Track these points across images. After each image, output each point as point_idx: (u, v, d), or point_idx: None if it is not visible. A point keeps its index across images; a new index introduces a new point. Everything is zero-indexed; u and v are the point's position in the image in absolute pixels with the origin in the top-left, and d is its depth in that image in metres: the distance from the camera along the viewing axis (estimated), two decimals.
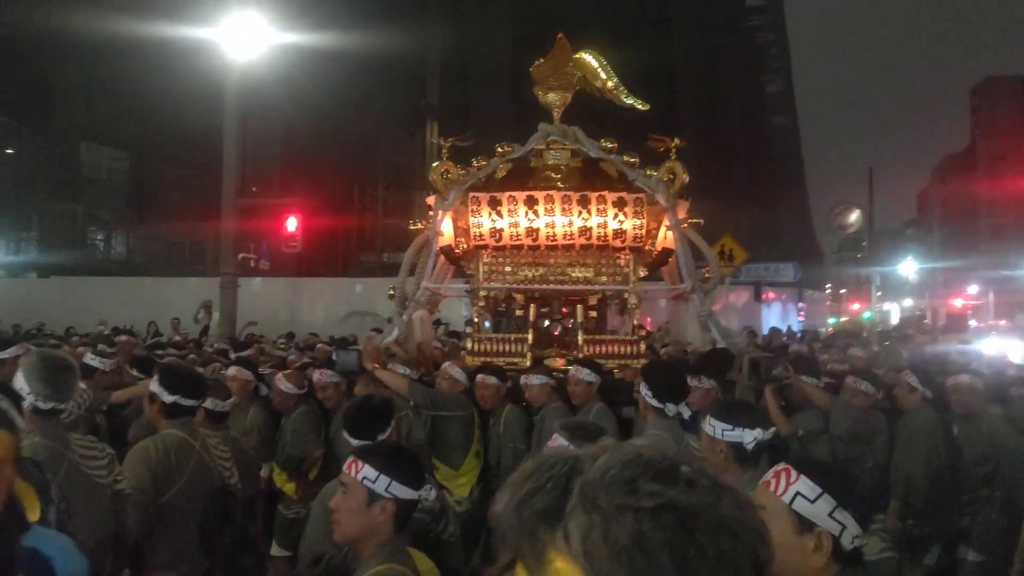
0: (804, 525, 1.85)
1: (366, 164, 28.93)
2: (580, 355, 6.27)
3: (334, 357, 6.83)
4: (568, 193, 6.64)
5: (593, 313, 7.03)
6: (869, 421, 5.14)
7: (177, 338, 12.78)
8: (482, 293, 7.06)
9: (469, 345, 6.99)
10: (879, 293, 24.23)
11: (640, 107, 7.79)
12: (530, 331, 6.90)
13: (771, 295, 22.21)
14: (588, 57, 7.68)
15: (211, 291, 14.95)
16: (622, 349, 6.66)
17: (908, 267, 30.25)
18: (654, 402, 3.84)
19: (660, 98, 25.52)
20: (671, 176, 6.74)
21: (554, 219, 6.65)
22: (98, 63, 25.56)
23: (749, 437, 2.87)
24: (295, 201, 19.96)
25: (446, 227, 7.11)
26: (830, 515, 1.84)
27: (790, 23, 29.02)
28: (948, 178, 61.61)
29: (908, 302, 39.01)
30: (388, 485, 2.32)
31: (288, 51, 14.87)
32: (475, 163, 7.20)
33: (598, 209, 6.57)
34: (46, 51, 26.88)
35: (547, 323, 7.30)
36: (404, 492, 2.35)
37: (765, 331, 16.73)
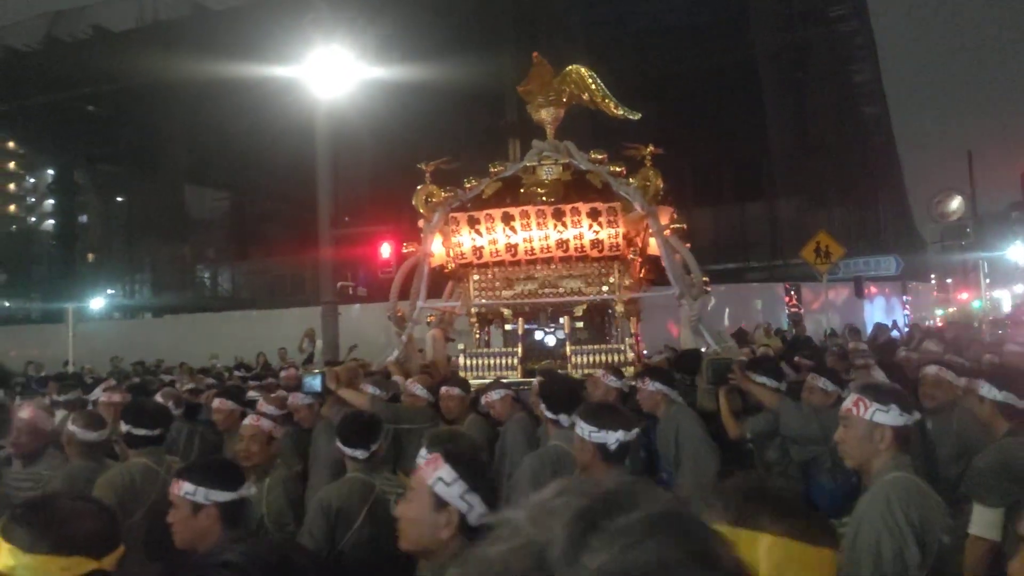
0: (440, 503, 2.19)
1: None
2: (569, 365, 6.44)
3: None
4: (542, 207, 6.84)
5: (580, 324, 7.19)
6: (821, 421, 4.71)
7: (283, 366, 13.30)
8: (473, 310, 7.31)
9: (461, 361, 7.20)
10: (988, 280, 23.18)
11: (631, 116, 7.96)
12: (519, 345, 7.11)
13: (873, 290, 21.55)
14: (578, 71, 7.83)
15: (313, 320, 15.45)
16: (610, 358, 6.73)
17: (1017, 251, 28.82)
18: (549, 414, 4.07)
19: (744, 97, 25.21)
20: (646, 183, 6.86)
21: (531, 233, 6.87)
22: (196, 108, 26.85)
23: (612, 438, 3.10)
24: (387, 228, 20.48)
25: (437, 248, 7.37)
26: (461, 496, 2.19)
27: (873, 8, 28.21)
28: None
29: (1020, 288, 37.17)
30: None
31: (371, 85, 15.32)
32: (467, 184, 7.50)
33: (573, 221, 6.73)
34: (146, 101, 28.37)
35: (538, 336, 7.51)
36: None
37: (869, 327, 16.25)
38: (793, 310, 19.24)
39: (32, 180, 67.20)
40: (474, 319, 7.45)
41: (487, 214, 6.98)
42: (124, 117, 31.01)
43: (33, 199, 68.35)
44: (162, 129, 29.47)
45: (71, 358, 17.59)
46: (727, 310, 20.24)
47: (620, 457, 3.17)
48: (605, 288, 7.02)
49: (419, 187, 7.60)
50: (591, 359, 6.74)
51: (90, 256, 41.84)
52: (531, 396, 5.19)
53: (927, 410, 4.88)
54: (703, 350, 6.73)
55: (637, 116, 7.97)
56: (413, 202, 7.59)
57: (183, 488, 2.72)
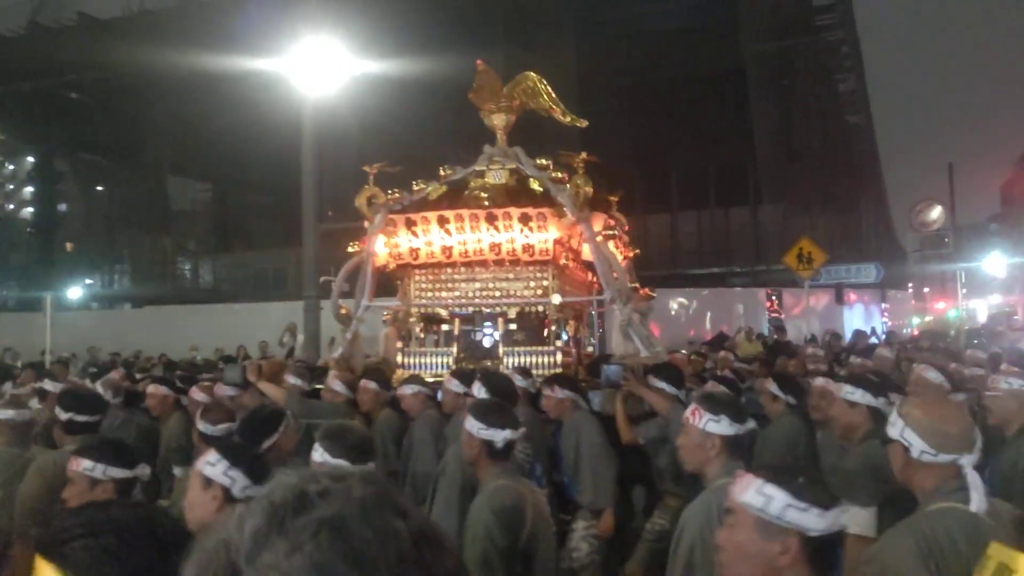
0: (207, 482, 2.55)
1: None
2: (501, 366, 6.57)
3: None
4: (475, 211, 6.98)
5: (513, 326, 7.34)
6: None
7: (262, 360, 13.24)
8: (413, 309, 7.47)
9: (400, 359, 7.37)
10: (964, 291, 23.39)
11: (579, 124, 8.08)
12: (454, 345, 7.31)
13: (853, 297, 21.73)
14: (529, 79, 7.93)
15: (295, 314, 15.38)
16: (541, 360, 6.90)
17: (994, 262, 29.14)
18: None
19: (731, 103, 25.36)
20: (577, 190, 6.93)
21: (465, 236, 7.02)
22: (181, 100, 26.65)
23: (500, 436, 3.19)
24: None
25: (381, 248, 7.50)
26: (225, 473, 2.54)
27: (860, 19, 28.44)
28: None
29: (996, 299, 37.55)
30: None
31: (358, 80, 15.26)
32: (415, 186, 7.65)
33: (505, 225, 6.86)
34: (130, 91, 28.14)
35: (477, 336, 7.72)
36: None
37: (848, 333, 16.39)
38: (774, 315, 19.37)
39: (12, 167, 66.42)
40: (413, 318, 7.57)
41: (423, 216, 7.15)
42: (107, 106, 30.71)
43: (12, 186, 67.59)
44: (145, 119, 29.23)
45: (48, 347, 17.39)
46: (709, 314, 20.36)
47: (506, 454, 3.25)
48: (539, 292, 7.15)
49: (364, 188, 7.73)
50: (523, 360, 6.88)
51: (69, 245, 41.41)
52: (442, 392, 5.35)
53: (815, 421, 5.02)
54: (643, 354, 6.84)
55: (583, 124, 8.11)
56: (356, 203, 7.71)
57: (82, 464, 2.94)
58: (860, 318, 21.68)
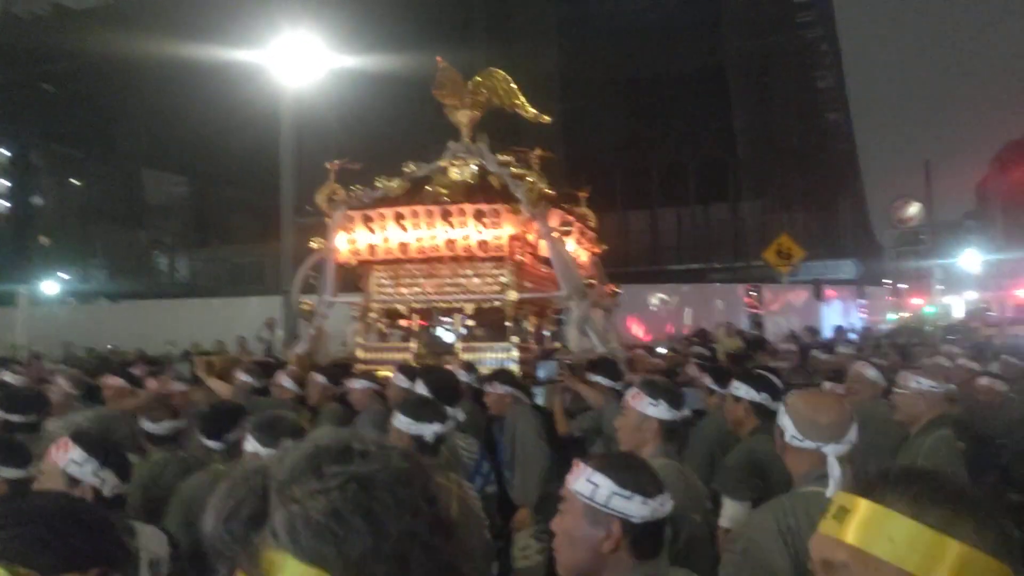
0: (73, 482, 2.41)
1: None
2: (458, 362, 6.55)
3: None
4: (431, 207, 7.06)
5: (471, 322, 7.37)
6: None
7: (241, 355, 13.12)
8: (374, 305, 7.53)
9: (360, 354, 7.42)
10: (941, 287, 23.66)
11: (543, 120, 8.10)
12: (412, 340, 7.36)
13: (831, 293, 21.87)
14: (492, 75, 7.98)
15: (273, 309, 15.25)
16: (498, 356, 6.95)
17: (970, 259, 29.45)
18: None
19: (712, 99, 25.45)
20: (531, 186, 6.97)
21: (420, 232, 7.08)
22: (156, 92, 26.38)
23: (429, 431, 3.25)
24: None
25: (344, 245, 7.53)
26: (94, 473, 2.45)
27: (839, 17, 28.64)
28: (1009, 166, 59.66)
29: (972, 295, 37.94)
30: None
31: (338, 74, 15.16)
32: (377, 182, 7.69)
33: (459, 221, 6.92)
34: (105, 83, 27.82)
35: (438, 332, 7.77)
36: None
37: (825, 329, 16.47)
38: (754, 311, 19.45)
39: None
40: (375, 314, 7.60)
41: (379, 212, 7.23)
42: (82, 98, 30.35)
43: None
44: (121, 111, 28.94)
45: (23, 341, 17.17)
46: (689, 310, 20.41)
47: (435, 449, 3.31)
48: (496, 288, 7.17)
49: (325, 184, 7.77)
50: (480, 356, 6.91)
51: (43, 239, 40.90)
52: (389, 387, 5.36)
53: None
54: (598, 351, 6.90)
55: (547, 120, 8.13)
56: (316, 199, 7.75)
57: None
58: (838, 314, 21.81)
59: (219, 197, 35.03)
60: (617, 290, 8.18)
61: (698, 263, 26.24)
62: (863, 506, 1.12)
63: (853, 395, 5.23)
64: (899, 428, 4.23)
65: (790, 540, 2.22)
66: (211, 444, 3.68)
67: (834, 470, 2.27)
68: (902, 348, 10.03)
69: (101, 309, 26.04)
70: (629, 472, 1.96)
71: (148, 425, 4.09)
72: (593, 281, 7.98)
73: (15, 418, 4.19)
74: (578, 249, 8.10)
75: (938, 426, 4.00)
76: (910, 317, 28.68)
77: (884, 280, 31.19)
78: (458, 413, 4.27)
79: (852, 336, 14.52)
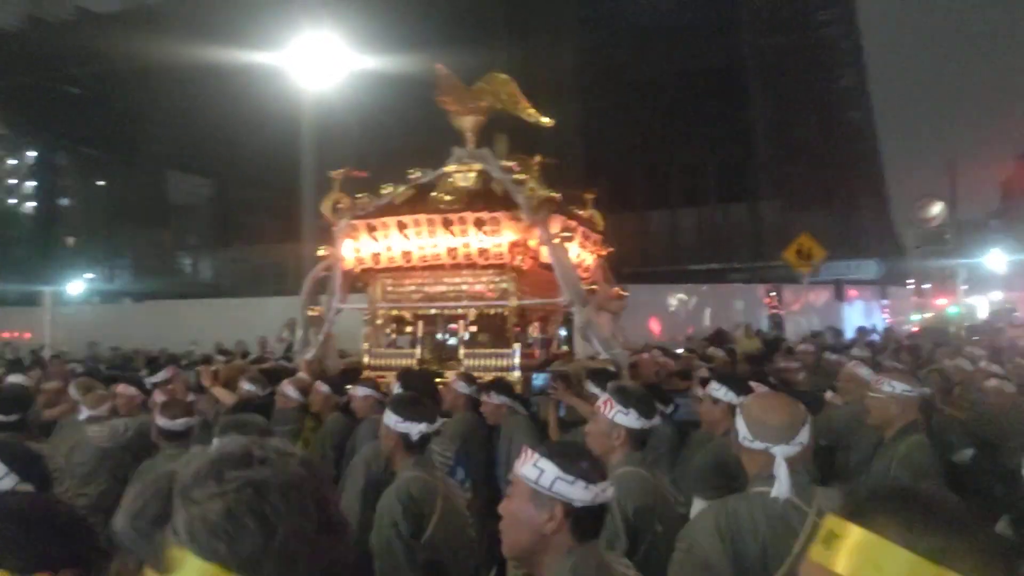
0: None
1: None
2: (462, 368, 6.60)
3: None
4: (432, 215, 7.09)
5: (474, 328, 7.40)
6: None
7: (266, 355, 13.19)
8: (379, 312, 7.61)
9: (365, 360, 7.47)
10: (965, 287, 23.39)
11: (544, 123, 8.04)
12: (418, 347, 7.42)
13: (853, 293, 21.71)
14: (494, 79, 7.96)
15: (295, 310, 15.36)
16: (500, 362, 6.97)
17: (995, 259, 29.05)
18: None
19: (731, 98, 25.32)
20: (532, 192, 6.96)
21: (422, 241, 7.16)
22: (179, 94, 26.62)
23: (416, 429, 3.35)
24: None
25: (348, 252, 7.62)
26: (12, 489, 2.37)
27: (861, 14, 28.38)
28: None
29: (997, 295, 37.43)
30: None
31: (357, 76, 15.26)
32: (382, 190, 7.74)
33: (460, 229, 6.97)
34: (130, 85, 28.11)
35: (443, 338, 7.82)
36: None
37: (848, 330, 16.37)
38: (774, 311, 19.35)
39: (13, 161, 66.34)
40: (380, 320, 7.69)
41: (382, 221, 7.31)
42: (107, 100, 30.69)
43: (14, 181, 67.50)
44: (145, 113, 29.21)
45: (48, 342, 17.43)
46: (708, 310, 20.34)
47: (421, 447, 3.43)
48: (498, 295, 7.21)
49: (329, 194, 7.85)
50: (482, 363, 6.95)
51: (70, 240, 41.39)
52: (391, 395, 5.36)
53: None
54: (601, 357, 6.93)
55: (550, 123, 8.03)
56: (321, 208, 7.84)
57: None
58: (860, 314, 21.65)
59: (241, 198, 35.24)
60: (624, 292, 8.16)
61: (717, 263, 26.10)
62: (853, 532, 1.06)
63: (846, 395, 5.24)
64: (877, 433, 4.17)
65: (728, 539, 2.31)
66: None
67: (780, 471, 2.32)
68: (916, 350, 9.93)
69: (125, 309, 26.38)
70: (573, 459, 2.06)
71: (163, 422, 4.21)
72: (595, 286, 7.94)
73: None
74: (583, 252, 8.10)
75: (911, 431, 3.96)
76: (934, 318, 28.41)
77: (907, 280, 30.90)
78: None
79: (874, 337, 14.43)
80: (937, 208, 25.47)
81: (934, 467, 3.86)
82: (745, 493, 2.49)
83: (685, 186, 27.88)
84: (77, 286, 28.61)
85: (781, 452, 2.37)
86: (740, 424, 2.55)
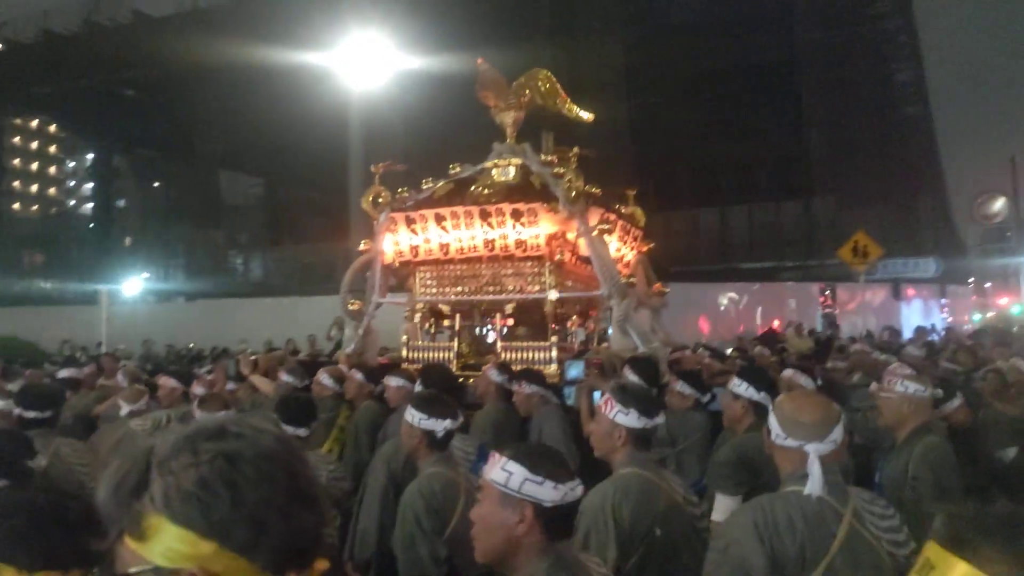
0: None
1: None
2: (498, 360, 6.57)
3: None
4: (470, 208, 7.09)
5: (512, 321, 7.42)
6: (670, 424, 4.78)
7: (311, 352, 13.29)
8: (418, 305, 7.64)
9: (404, 353, 7.55)
10: None
11: (585, 119, 8.05)
12: (455, 339, 7.45)
13: (911, 292, 21.17)
14: (534, 75, 7.96)
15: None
16: (538, 355, 6.97)
17: None
18: None
19: (784, 93, 24.85)
20: (569, 184, 6.93)
21: (460, 233, 7.17)
22: (231, 95, 27.00)
23: (440, 426, 3.38)
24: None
25: (388, 246, 7.66)
26: None
27: (918, 6, 27.64)
28: None
29: None
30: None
31: (404, 75, 15.30)
32: (423, 184, 7.82)
33: (497, 221, 6.96)
34: (184, 87, 28.58)
35: (481, 331, 7.87)
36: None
37: (907, 330, 15.93)
38: (828, 310, 18.95)
39: (72, 164, 68.25)
40: (420, 314, 7.72)
41: (421, 214, 7.36)
42: (162, 102, 31.28)
43: (73, 183, 69.43)
44: (198, 115, 29.68)
45: (104, 340, 17.78)
46: (759, 309, 20.01)
47: (444, 443, 3.44)
48: (537, 288, 7.19)
49: (370, 188, 7.88)
50: (520, 356, 6.97)
51: (127, 240, 42.37)
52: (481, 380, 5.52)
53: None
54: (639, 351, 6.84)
55: (590, 118, 8.05)
56: (361, 203, 7.89)
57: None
58: (918, 314, 21.10)
59: (291, 197, 35.74)
60: (665, 289, 8.11)
61: (770, 261, 25.70)
62: (955, 567, 0.95)
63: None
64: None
65: (767, 538, 2.31)
66: (296, 431, 3.98)
67: (814, 468, 2.34)
68: (975, 350, 9.60)
69: (178, 308, 26.87)
70: (540, 460, 2.08)
71: (201, 416, 4.26)
72: (634, 280, 7.89)
73: (30, 414, 4.39)
74: (623, 247, 8.05)
75: (925, 432, 3.87)
76: (996, 316, 27.59)
77: (968, 279, 30.08)
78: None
79: (934, 337, 14.03)
80: (999, 204, 24.74)
81: (953, 466, 3.75)
82: (780, 492, 2.47)
83: (736, 183, 27.48)
84: (132, 285, 29.22)
85: (814, 450, 2.37)
86: (773, 422, 2.54)
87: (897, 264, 20.25)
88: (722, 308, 20.29)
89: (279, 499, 1.00)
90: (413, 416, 3.43)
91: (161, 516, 0.98)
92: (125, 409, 5.41)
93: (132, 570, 1.00)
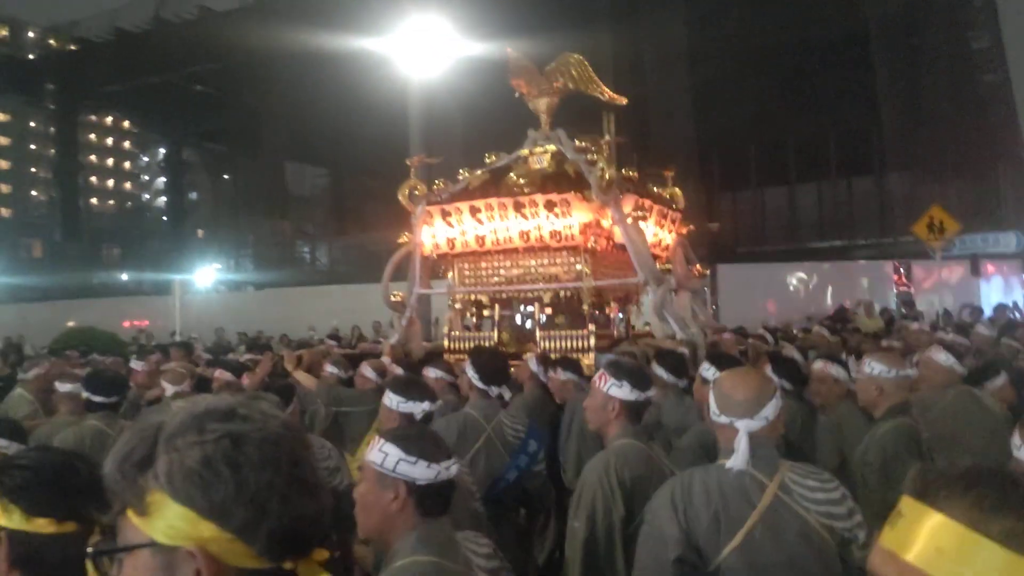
0: None
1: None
2: (539, 350, 6.69)
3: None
4: (504, 199, 7.17)
5: (549, 310, 7.46)
6: (690, 412, 4.78)
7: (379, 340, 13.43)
8: (458, 296, 7.78)
9: (445, 343, 7.70)
10: None
11: (619, 102, 7.98)
12: (495, 329, 7.59)
13: (991, 269, 20.36)
14: (566, 60, 7.95)
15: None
16: (575, 343, 7.02)
17: None
18: (480, 384, 4.45)
19: (854, 65, 24.08)
20: (602, 173, 6.90)
21: (495, 225, 7.26)
22: (295, 86, 27.38)
23: (419, 408, 3.49)
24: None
25: (426, 239, 7.79)
26: None
27: None
28: None
29: None
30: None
31: (462, 62, 15.24)
32: (461, 175, 7.92)
33: (532, 212, 7.03)
34: (248, 80, 29.10)
35: (521, 321, 7.97)
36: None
37: (987, 308, 15.33)
38: (902, 289, 18.38)
39: (145, 159, 70.26)
40: (459, 305, 7.85)
41: (456, 207, 7.48)
42: (229, 96, 31.94)
43: (146, 177, 71.51)
44: (264, 107, 30.22)
45: (178, 329, 18.27)
46: (830, 289, 19.52)
47: (425, 424, 3.53)
48: (573, 276, 7.26)
49: (406, 181, 8.01)
50: (558, 344, 7.05)
51: (199, 231, 43.51)
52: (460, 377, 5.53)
53: (817, 405, 4.94)
54: (678, 336, 6.96)
55: (623, 101, 7.99)
56: (398, 196, 7.96)
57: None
58: (999, 291, 20.29)
59: (355, 187, 36.15)
60: (704, 272, 8.14)
61: (841, 240, 25.03)
62: (919, 512, 1.00)
63: (924, 382, 5.01)
64: (994, 420, 4.14)
65: (681, 508, 2.41)
66: None
67: (741, 443, 2.41)
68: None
69: (248, 296, 27.50)
70: (415, 441, 2.20)
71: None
72: (670, 265, 7.95)
73: (97, 398, 4.67)
74: (660, 232, 8.04)
75: (897, 413, 3.88)
76: None
77: None
78: (504, 392, 4.67)
79: (1016, 315, 13.50)
80: None
81: (913, 451, 3.68)
82: (706, 465, 2.58)
83: (805, 160, 26.77)
84: (205, 275, 29.98)
85: (744, 426, 2.44)
86: (711, 400, 2.62)
87: (976, 240, 19.53)
88: (791, 288, 19.85)
89: (280, 484, 1.02)
90: (392, 400, 3.54)
91: (163, 493, 0.99)
92: (170, 390, 5.61)
93: (131, 544, 1.02)
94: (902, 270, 18.75)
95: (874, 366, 4.01)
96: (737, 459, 2.41)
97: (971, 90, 25.94)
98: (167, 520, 0.99)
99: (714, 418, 2.57)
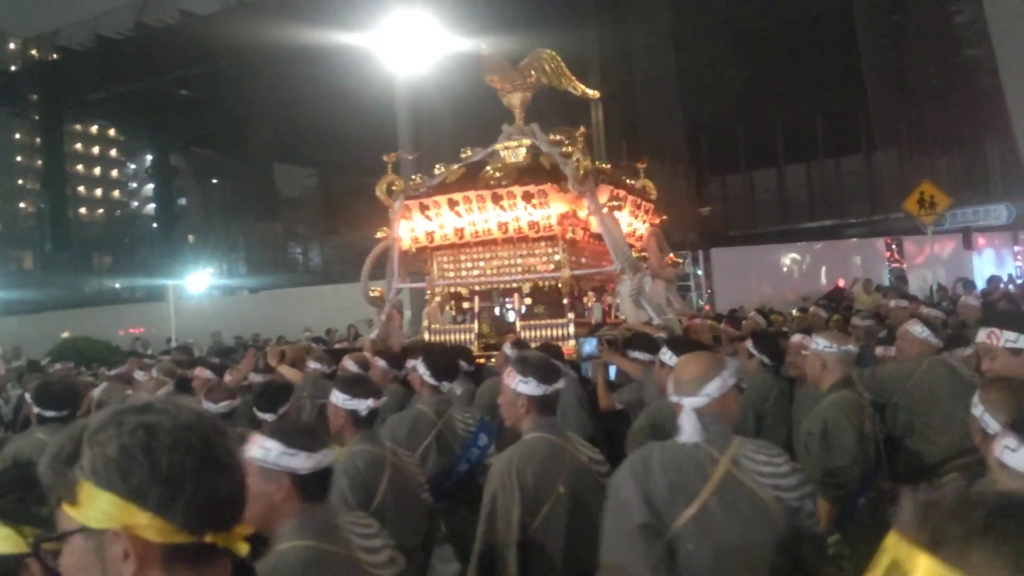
0: None
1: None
2: (516, 339, 6.65)
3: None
4: (481, 192, 7.25)
5: (529, 300, 7.53)
6: None
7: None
8: (437, 289, 7.83)
9: (426, 336, 7.74)
10: None
11: (592, 96, 8.26)
12: (476, 321, 7.63)
13: (982, 241, 20.43)
14: (538, 56, 8.05)
15: (400, 293, 15.56)
16: (556, 332, 7.11)
17: None
18: (431, 380, 4.53)
19: (838, 45, 24.10)
20: (577, 164, 6.99)
21: (473, 217, 7.34)
22: (280, 88, 27.28)
23: (363, 406, 3.50)
24: None
25: (404, 233, 7.86)
26: None
27: None
28: None
29: None
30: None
31: (449, 59, 15.21)
32: (436, 170, 8.00)
33: (509, 204, 7.12)
34: (233, 83, 28.96)
35: (500, 312, 8.09)
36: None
37: (980, 281, 15.39)
38: (895, 265, 18.44)
39: (132, 166, 69.90)
40: (439, 298, 7.89)
41: (434, 200, 7.54)
42: (214, 99, 31.79)
43: (134, 184, 71.16)
44: (250, 109, 30.09)
45: (174, 334, 18.24)
46: (824, 268, 19.57)
47: (369, 422, 3.59)
48: (551, 267, 7.34)
49: (382, 177, 8.11)
50: (538, 333, 7.12)
51: (190, 237, 43.35)
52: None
53: (793, 379, 5.15)
54: (654, 323, 7.07)
55: (596, 95, 8.32)
56: (376, 191, 8.06)
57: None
58: (991, 264, 20.36)
59: (345, 185, 36.04)
60: (678, 260, 8.27)
61: (831, 219, 25.11)
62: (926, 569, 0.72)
63: (901, 353, 5.23)
64: (965, 385, 4.16)
65: (640, 479, 2.52)
66: (265, 416, 4.20)
67: (685, 419, 2.57)
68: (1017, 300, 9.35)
69: (243, 300, 27.44)
70: (293, 435, 2.35)
71: (208, 405, 4.50)
72: (646, 254, 8.05)
73: (48, 412, 4.41)
74: (634, 222, 8.14)
75: (840, 387, 4.04)
76: None
77: None
78: (456, 387, 4.78)
79: (1009, 287, 13.56)
80: None
81: (848, 421, 3.87)
82: (663, 442, 2.69)
83: (793, 141, 26.82)
84: (198, 280, 29.89)
85: (688, 403, 2.58)
86: (669, 382, 2.77)
87: (967, 213, 19.58)
88: (784, 269, 19.91)
89: (192, 464, 1.11)
90: (337, 398, 3.57)
91: (90, 482, 1.10)
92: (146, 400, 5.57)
93: (64, 532, 1.13)
94: (894, 247, 18.80)
95: (819, 341, 4.19)
96: (685, 434, 2.56)
97: (955, 64, 25.99)
98: (95, 506, 1.09)
99: (671, 398, 2.71)
